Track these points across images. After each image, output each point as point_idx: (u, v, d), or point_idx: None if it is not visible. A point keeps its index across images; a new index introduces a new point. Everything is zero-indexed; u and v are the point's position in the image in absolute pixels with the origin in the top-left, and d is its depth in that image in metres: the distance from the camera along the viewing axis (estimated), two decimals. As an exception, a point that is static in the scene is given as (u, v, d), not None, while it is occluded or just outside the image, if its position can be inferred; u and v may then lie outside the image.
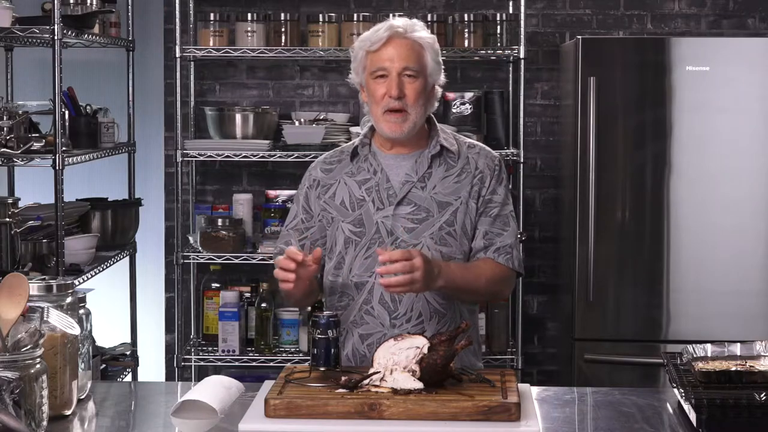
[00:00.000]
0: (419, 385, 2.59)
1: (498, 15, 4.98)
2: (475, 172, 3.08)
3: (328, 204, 3.10)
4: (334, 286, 3.09)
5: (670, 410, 2.68)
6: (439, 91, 3.10)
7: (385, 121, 3.03)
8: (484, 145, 3.19)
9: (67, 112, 4.41)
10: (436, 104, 3.13)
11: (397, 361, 2.63)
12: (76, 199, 4.82)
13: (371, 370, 2.64)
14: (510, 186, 3.19)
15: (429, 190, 3.05)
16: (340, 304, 3.07)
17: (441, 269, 2.91)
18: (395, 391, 2.58)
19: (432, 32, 4.81)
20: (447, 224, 3.03)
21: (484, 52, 4.94)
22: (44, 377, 2.38)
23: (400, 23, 3.04)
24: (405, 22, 3.06)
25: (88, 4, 4.60)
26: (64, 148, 4.06)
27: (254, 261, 4.88)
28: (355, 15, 4.92)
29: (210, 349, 5.04)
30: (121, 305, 5.15)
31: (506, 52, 4.93)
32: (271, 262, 4.84)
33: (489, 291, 3.08)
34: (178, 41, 4.91)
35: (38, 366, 2.37)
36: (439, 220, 3.03)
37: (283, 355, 4.95)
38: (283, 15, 4.96)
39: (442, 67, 3.10)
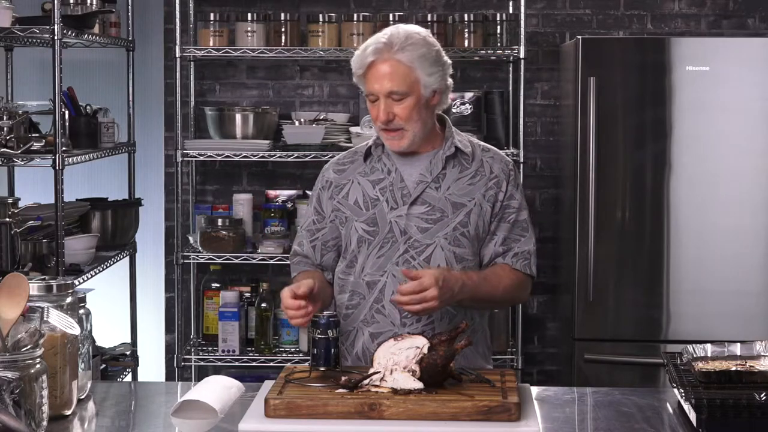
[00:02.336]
0: (419, 385, 2.59)
1: (498, 15, 4.98)
2: (490, 176, 3.07)
3: (341, 204, 3.09)
4: (345, 284, 3.09)
5: (670, 410, 2.69)
6: (447, 89, 3.04)
7: (384, 138, 3.04)
8: (497, 150, 3.17)
9: (67, 112, 4.41)
10: (448, 102, 3.07)
11: (397, 361, 2.64)
12: (76, 199, 4.82)
13: (371, 370, 2.65)
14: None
15: (443, 191, 3.04)
16: (350, 303, 3.08)
17: (462, 285, 2.88)
18: (395, 391, 2.58)
19: (432, 32, 4.83)
20: (461, 225, 3.03)
21: (484, 52, 4.94)
22: (44, 377, 2.38)
23: (386, 39, 2.95)
24: (393, 36, 2.96)
25: (88, 4, 4.60)
26: (64, 148, 4.07)
27: (254, 261, 4.88)
28: (355, 15, 4.92)
29: (210, 349, 5.04)
30: (121, 305, 5.15)
31: (506, 52, 4.93)
32: (272, 262, 4.88)
33: (506, 299, 3.09)
34: (178, 41, 4.91)
35: (38, 366, 2.37)
36: (454, 221, 3.02)
37: (283, 355, 4.95)
38: (283, 15, 4.96)
39: (444, 70, 3.01)
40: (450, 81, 3.05)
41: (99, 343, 4.73)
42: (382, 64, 2.95)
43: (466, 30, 4.94)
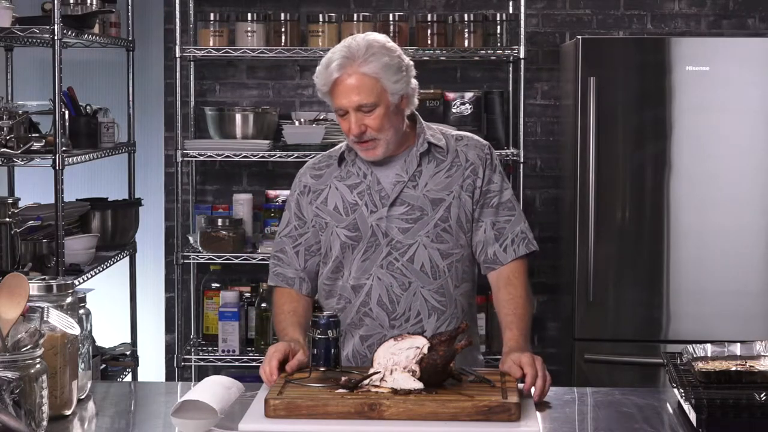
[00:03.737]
0: (419, 385, 2.59)
1: (498, 15, 4.98)
2: (465, 165, 3.06)
3: (320, 210, 3.08)
4: (332, 289, 3.09)
5: (670, 410, 2.68)
6: (414, 92, 3.01)
7: (358, 150, 3.01)
8: (471, 135, 3.16)
9: (67, 112, 4.41)
10: (416, 102, 3.04)
11: (397, 361, 2.64)
12: (76, 199, 4.82)
13: (371, 370, 2.64)
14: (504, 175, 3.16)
15: (421, 189, 3.03)
16: (337, 307, 3.07)
17: (525, 339, 2.95)
18: (395, 391, 2.58)
19: (432, 32, 4.93)
20: (442, 221, 3.02)
21: (484, 52, 4.94)
22: (44, 377, 2.38)
23: (348, 52, 2.92)
24: (353, 48, 2.92)
25: (88, 4, 4.60)
26: (64, 148, 4.06)
27: (254, 261, 4.87)
28: (355, 15, 4.92)
29: (210, 349, 5.04)
30: (121, 305, 5.15)
31: (506, 52, 4.93)
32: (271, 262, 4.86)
33: (532, 303, 3.09)
34: (178, 41, 4.91)
35: (38, 366, 2.37)
36: (434, 218, 3.02)
37: (283, 355, 4.94)
38: (283, 15, 4.96)
39: (407, 74, 2.97)
40: (415, 82, 3.01)
41: (99, 343, 4.72)
42: (348, 79, 2.92)
43: (466, 30, 4.94)
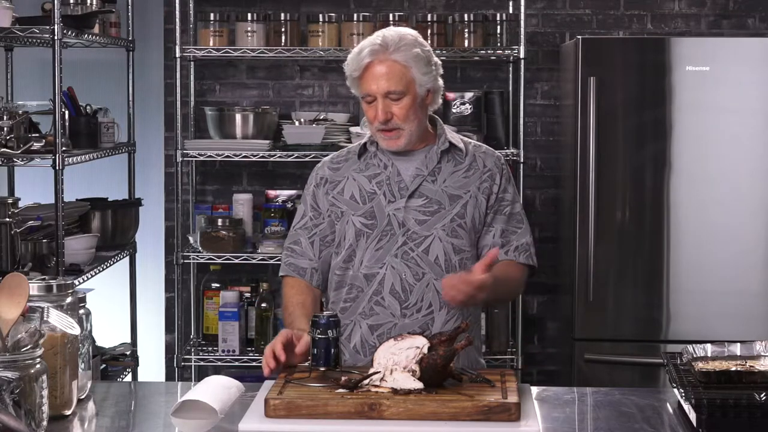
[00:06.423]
0: (419, 385, 2.59)
1: (498, 15, 4.98)
2: (483, 169, 3.13)
3: (336, 199, 3.13)
4: (343, 279, 3.12)
5: (670, 410, 2.69)
6: (439, 89, 3.10)
7: (380, 138, 3.08)
8: (488, 146, 3.25)
9: (67, 112, 4.41)
10: (439, 101, 3.14)
11: (397, 361, 2.64)
12: (76, 199, 4.82)
13: (371, 370, 2.65)
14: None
15: (440, 184, 3.09)
16: (348, 296, 3.10)
17: (482, 285, 2.91)
18: (395, 391, 2.58)
19: (432, 32, 4.93)
20: (458, 216, 3.07)
21: (484, 52, 4.94)
22: (44, 377, 2.38)
23: (381, 41, 3.01)
24: (387, 38, 3.02)
25: (88, 4, 4.59)
26: (64, 148, 4.06)
27: (254, 261, 4.88)
28: (355, 15, 4.92)
29: (210, 349, 5.04)
30: (121, 305, 5.15)
31: (506, 52, 4.93)
32: (272, 262, 4.88)
33: (515, 293, 3.15)
34: (178, 41, 4.91)
35: (38, 366, 2.37)
36: (451, 213, 3.07)
37: (283, 355, 4.94)
38: (283, 15, 4.96)
39: (436, 70, 3.07)
40: (441, 82, 3.11)
41: (99, 343, 4.73)
42: (379, 65, 3.01)
43: (466, 30, 4.94)
